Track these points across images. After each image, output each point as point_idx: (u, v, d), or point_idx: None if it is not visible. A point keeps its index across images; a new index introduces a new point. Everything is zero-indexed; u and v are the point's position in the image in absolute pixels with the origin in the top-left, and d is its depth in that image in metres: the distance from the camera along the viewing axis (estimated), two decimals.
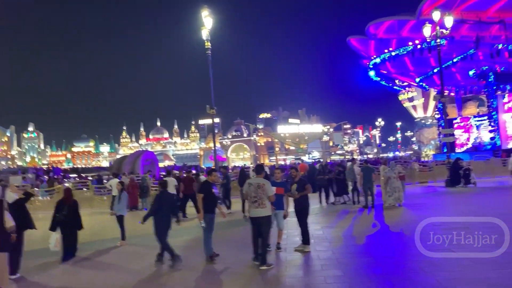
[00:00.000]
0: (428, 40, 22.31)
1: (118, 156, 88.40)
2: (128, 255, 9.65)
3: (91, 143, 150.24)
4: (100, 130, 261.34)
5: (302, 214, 8.86)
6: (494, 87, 39.32)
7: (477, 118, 45.68)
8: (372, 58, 47.20)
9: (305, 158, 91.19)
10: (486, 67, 41.85)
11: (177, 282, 7.16)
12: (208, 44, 19.15)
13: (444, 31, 21.40)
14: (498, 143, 38.32)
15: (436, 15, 20.95)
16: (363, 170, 15.13)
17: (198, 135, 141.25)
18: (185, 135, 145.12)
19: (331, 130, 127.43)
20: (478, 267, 6.68)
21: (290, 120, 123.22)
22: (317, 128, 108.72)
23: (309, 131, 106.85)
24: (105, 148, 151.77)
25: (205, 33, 18.95)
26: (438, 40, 21.80)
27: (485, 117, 41.75)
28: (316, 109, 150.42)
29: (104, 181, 25.27)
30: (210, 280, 7.20)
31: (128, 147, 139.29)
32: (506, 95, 38.07)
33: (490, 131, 40.92)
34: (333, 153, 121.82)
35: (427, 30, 21.82)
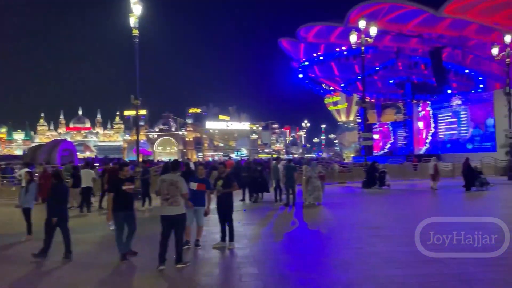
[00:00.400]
0: (353, 47, 23.27)
1: (33, 145, 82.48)
2: (33, 251, 8.95)
3: (3, 129, 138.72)
4: (14, 115, 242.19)
5: (227, 211, 8.75)
6: (410, 96, 42.19)
7: (394, 125, 48.76)
8: (302, 60, 48.46)
9: (234, 155, 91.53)
10: (404, 77, 44.88)
11: (82, 281, 6.72)
12: (136, 32, 18.41)
13: (368, 39, 22.45)
14: (411, 149, 41.15)
15: (362, 24, 21.98)
16: (286, 168, 15.44)
17: (122, 126, 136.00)
18: (109, 126, 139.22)
19: (260, 128, 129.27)
20: (386, 265, 7.04)
21: (220, 117, 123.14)
22: (246, 126, 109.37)
23: (238, 129, 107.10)
24: (19, 136, 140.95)
25: (132, 20, 18.20)
26: (363, 48, 22.92)
27: (401, 124, 44.61)
28: (247, 108, 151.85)
29: (16, 170, 23.50)
30: (120, 279, 6.86)
31: (45, 135, 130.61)
32: (421, 104, 40.98)
33: (405, 137, 43.90)
34: (260, 151, 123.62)
35: (353, 38, 22.79)
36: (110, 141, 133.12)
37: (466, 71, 42.17)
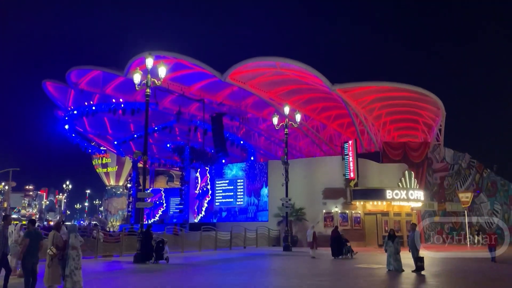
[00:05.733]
0: (137, 89, 19.46)
1: None
2: None
3: None
4: None
5: None
6: (188, 162, 40.25)
7: (167, 192, 46.11)
8: (69, 109, 41.60)
9: None
10: (182, 142, 43.06)
11: None
12: None
13: (156, 81, 19.09)
14: (186, 217, 38.43)
15: (149, 62, 18.58)
16: (29, 235, 9.83)
17: None
18: None
19: (6, 188, 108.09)
20: None
21: None
22: None
23: None
24: None
25: None
26: (148, 90, 19.32)
27: (177, 191, 42.05)
28: None
29: None
30: None
31: None
32: (199, 170, 39.39)
33: (178, 205, 41.13)
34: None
35: (137, 77, 19.05)
36: None
37: (241, 141, 43.33)
